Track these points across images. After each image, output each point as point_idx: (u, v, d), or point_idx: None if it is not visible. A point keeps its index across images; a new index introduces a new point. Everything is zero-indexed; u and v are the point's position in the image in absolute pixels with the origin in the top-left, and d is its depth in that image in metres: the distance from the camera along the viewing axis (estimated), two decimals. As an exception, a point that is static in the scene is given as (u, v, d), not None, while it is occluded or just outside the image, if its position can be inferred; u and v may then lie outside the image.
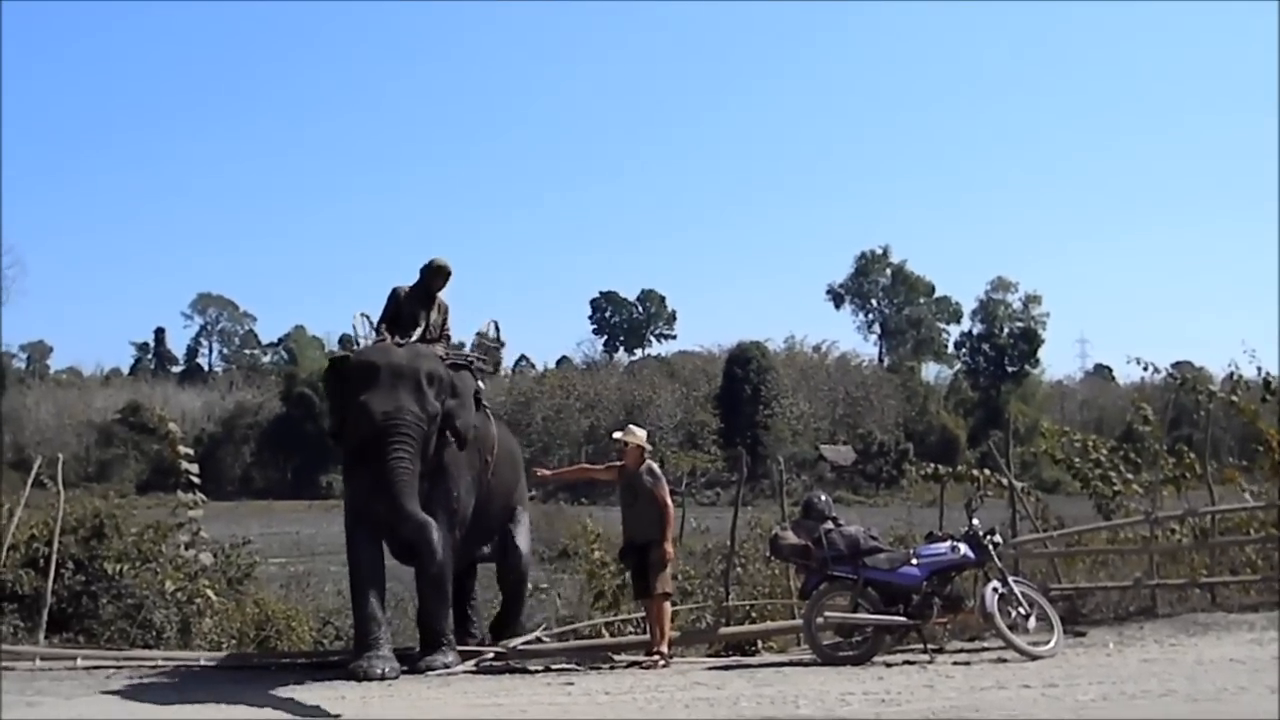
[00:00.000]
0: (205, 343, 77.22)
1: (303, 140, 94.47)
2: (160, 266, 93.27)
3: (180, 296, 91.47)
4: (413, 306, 8.45)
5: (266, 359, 72.88)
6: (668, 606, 8.26)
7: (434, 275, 8.52)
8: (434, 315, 8.53)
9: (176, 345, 76.53)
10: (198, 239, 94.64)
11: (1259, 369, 11.37)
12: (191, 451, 9.70)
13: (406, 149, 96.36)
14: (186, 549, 9.04)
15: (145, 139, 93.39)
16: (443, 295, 8.65)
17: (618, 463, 8.54)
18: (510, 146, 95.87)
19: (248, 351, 75.95)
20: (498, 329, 8.96)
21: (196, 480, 9.27)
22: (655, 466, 8.47)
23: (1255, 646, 7.73)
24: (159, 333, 75.61)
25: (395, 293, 8.52)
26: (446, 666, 7.68)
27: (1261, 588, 9.19)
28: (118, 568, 8.79)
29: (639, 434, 8.53)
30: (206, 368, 74.71)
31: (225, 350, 77.57)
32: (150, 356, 74.21)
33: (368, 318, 8.41)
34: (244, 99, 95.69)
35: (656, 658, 8.01)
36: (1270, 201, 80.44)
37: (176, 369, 73.39)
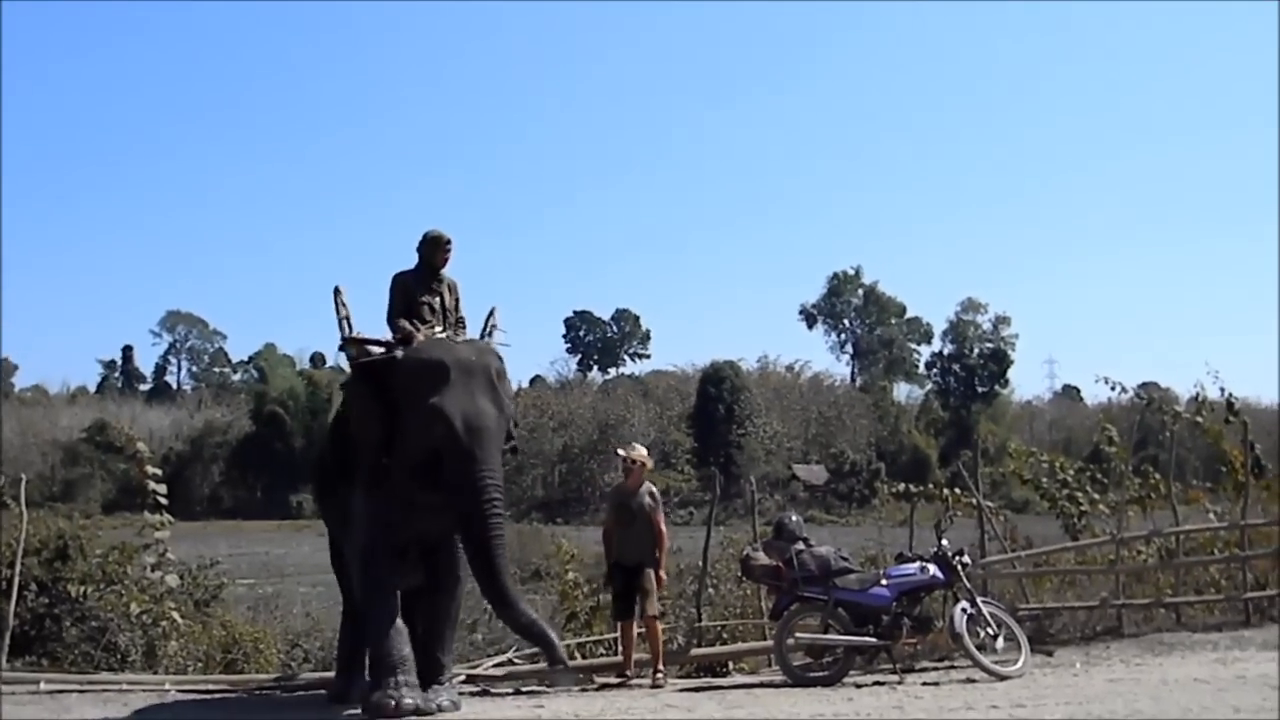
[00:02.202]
0: (174, 361, 76.60)
1: (274, 157, 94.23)
2: (129, 283, 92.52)
3: (149, 314, 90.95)
4: (423, 292, 7.36)
5: (236, 377, 72.25)
6: (660, 626, 8.31)
7: (434, 249, 7.42)
8: (447, 299, 7.49)
9: (145, 363, 75.91)
10: (167, 256, 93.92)
11: (1221, 390, 11.55)
12: (159, 471, 9.59)
13: (380, 168, 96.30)
14: (152, 570, 8.92)
15: (113, 155, 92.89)
16: (448, 272, 7.59)
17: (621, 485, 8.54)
18: (484, 166, 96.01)
19: (217, 370, 75.34)
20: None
21: (164, 500, 9.17)
22: (655, 490, 8.49)
23: (1219, 666, 7.83)
24: (127, 350, 74.95)
25: (401, 280, 7.38)
26: (455, 705, 6.95)
27: (1225, 607, 9.32)
28: (82, 590, 8.68)
29: (643, 452, 8.57)
30: (175, 386, 74.05)
31: (194, 368, 76.94)
32: (118, 374, 73.50)
33: (340, 300, 7.24)
34: (214, 116, 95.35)
35: (659, 676, 8.05)
36: (1241, 223, 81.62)
37: (144, 387, 72.70)
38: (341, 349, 7.41)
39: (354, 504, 7.03)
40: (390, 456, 6.71)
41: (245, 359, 72.54)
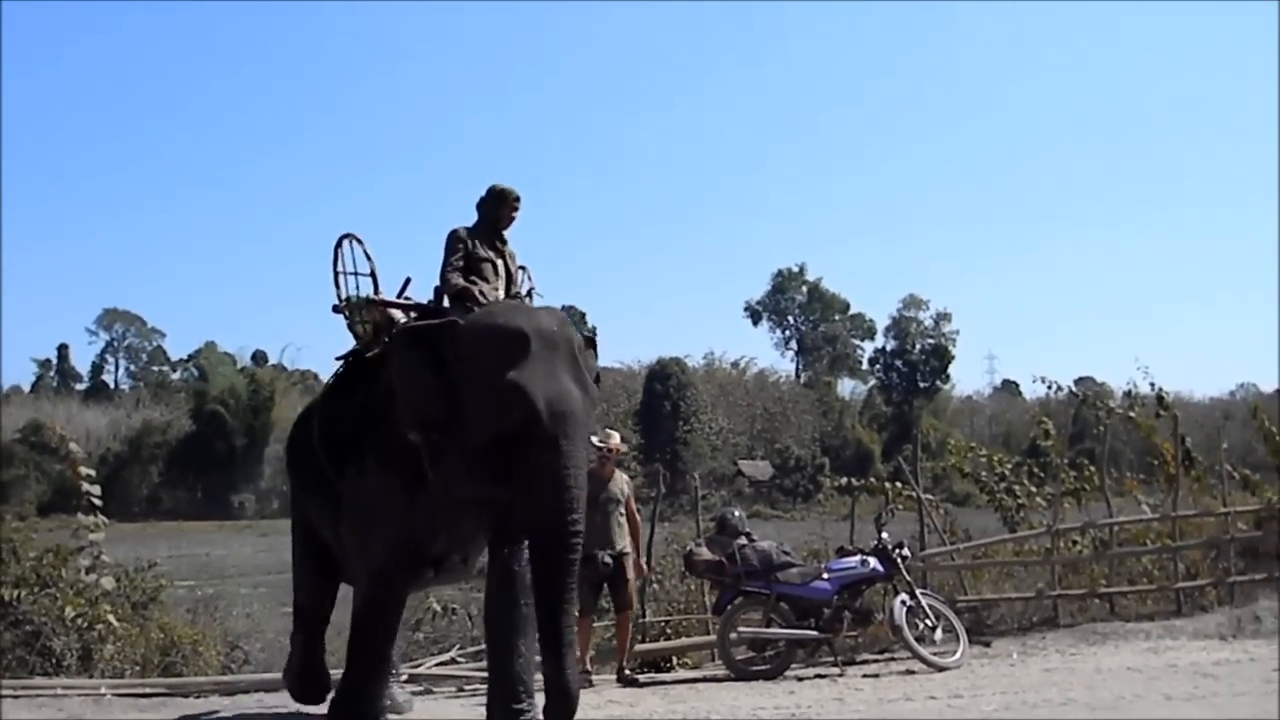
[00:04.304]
0: (111, 359, 75.05)
1: (212, 152, 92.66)
2: (64, 281, 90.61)
3: (85, 312, 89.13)
4: (486, 253, 6.18)
5: (175, 376, 71.03)
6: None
7: (500, 204, 6.29)
8: (511, 264, 6.33)
9: (81, 362, 74.31)
10: (104, 252, 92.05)
11: (1152, 385, 11.88)
12: (93, 472, 9.40)
13: (323, 165, 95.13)
14: (87, 573, 8.77)
15: (46, 149, 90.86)
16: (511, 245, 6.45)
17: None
18: (425, 161, 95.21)
19: (156, 368, 73.99)
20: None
21: (98, 502, 9.01)
22: (628, 479, 8.40)
23: (1151, 655, 8.04)
24: (62, 349, 73.33)
25: (460, 234, 6.16)
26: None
27: (1157, 597, 9.56)
28: (15, 593, 8.49)
29: (618, 439, 8.48)
30: (112, 385, 72.59)
31: (132, 367, 75.49)
32: (53, 374, 71.94)
33: (355, 253, 6.12)
34: (151, 109, 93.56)
35: (627, 671, 8.05)
36: (1179, 222, 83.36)
37: (81, 386, 71.25)
38: (339, 311, 6.20)
39: (358, 494, 5.79)
40: (442, 441, 5.41)
41: (185, 357, 71.38)
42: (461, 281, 5.95)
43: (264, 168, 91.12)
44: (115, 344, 75.27)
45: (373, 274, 6.06)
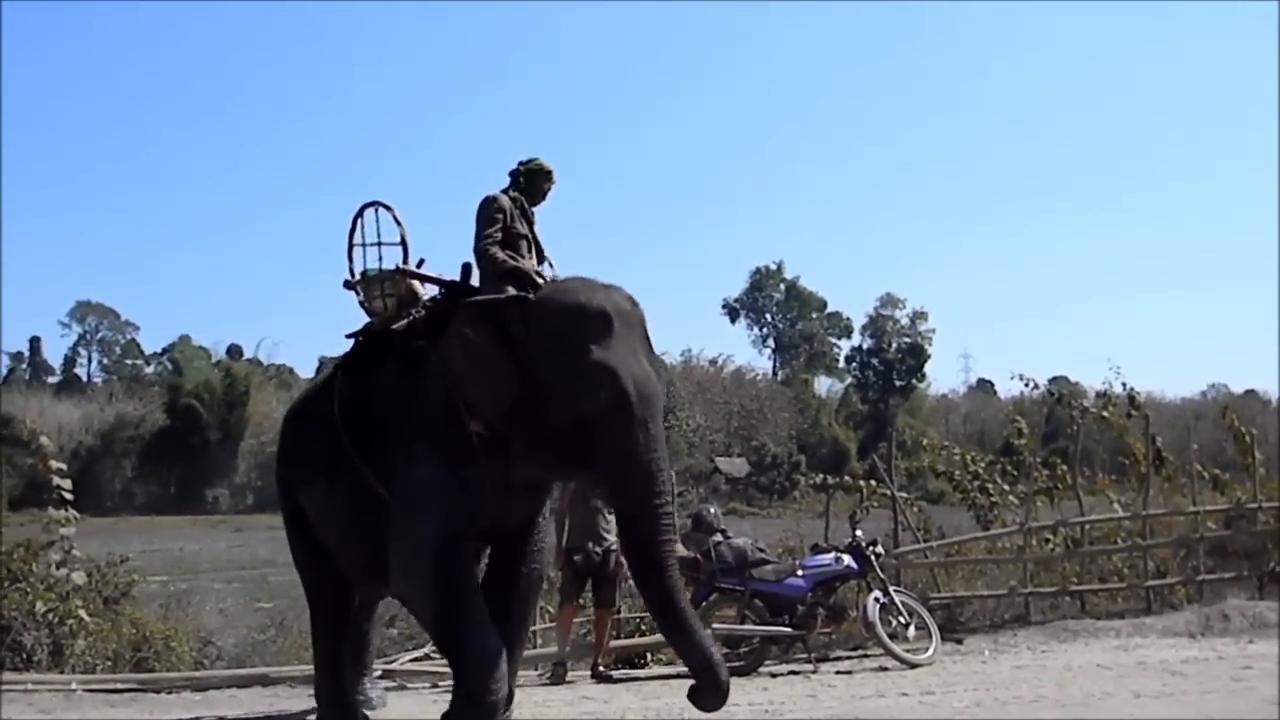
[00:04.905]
0: (84, 352, 74.39)
1: (187, 144, 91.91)
2: (36, 273, 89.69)
3: (58, 304, 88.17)
4: (522, 228, 5.72)
5: (149, 369, 70.55)
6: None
7: (540, 178, 5.90)
8: (543, 246, 5.87)
9: (53, 355, 73.73)
10: (77, 245, 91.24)
11: (1124, 385, 12.00)
12: (64, 466, 9.33)
13: (299, 157, 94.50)
14: (58, 568, 8.71)
15: (17, 139, 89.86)
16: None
17: None
18: (397, 158, 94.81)
19: (129, 362, 73.40)
20: None
21: (69, 495, 8.95)
22: None
23: (1121, 652, 8.12)
24: (34, 342, 72.63)
25: (499, 205, 5.64)
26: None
27: (1127, 595, 9.66)
28: (-14, 588, 8.45)
29: None
30: (85, 378, 72.00)
31: (105, 360, 74.85)
32: (25, 366, 71.28)
33: (389, 213, 5.59)
34: (124, 97, 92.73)
35: (602, 668, 8.06)
36: (1155, 225, 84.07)
37: (53, 380, 70.66)
38: (351, 287, 5.71)
39: (408, 484, 5.20)
40: (513, 426, 5.01)
41: (159, 351, 70.94)
42: (507, 257, 5.46)
43: (239, 161, 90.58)
44: (88, 337, 74.61)
45: (403, 242, 5.53)
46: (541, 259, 5.71)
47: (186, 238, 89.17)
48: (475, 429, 5.01)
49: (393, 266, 5.53)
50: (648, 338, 5.20)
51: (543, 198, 5.93)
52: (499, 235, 5.52)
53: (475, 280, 5.50)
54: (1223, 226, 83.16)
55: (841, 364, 68.16)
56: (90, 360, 74.66)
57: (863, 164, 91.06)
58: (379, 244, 5.57)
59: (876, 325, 65.05)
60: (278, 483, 6.22)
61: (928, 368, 63.99)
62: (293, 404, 6.26)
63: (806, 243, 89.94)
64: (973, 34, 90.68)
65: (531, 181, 5.87)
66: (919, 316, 64.15)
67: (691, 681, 4.86)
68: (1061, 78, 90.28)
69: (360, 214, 5.60)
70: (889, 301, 64.81)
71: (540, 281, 5.36)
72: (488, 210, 5.58)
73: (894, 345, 64.15)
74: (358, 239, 5.62)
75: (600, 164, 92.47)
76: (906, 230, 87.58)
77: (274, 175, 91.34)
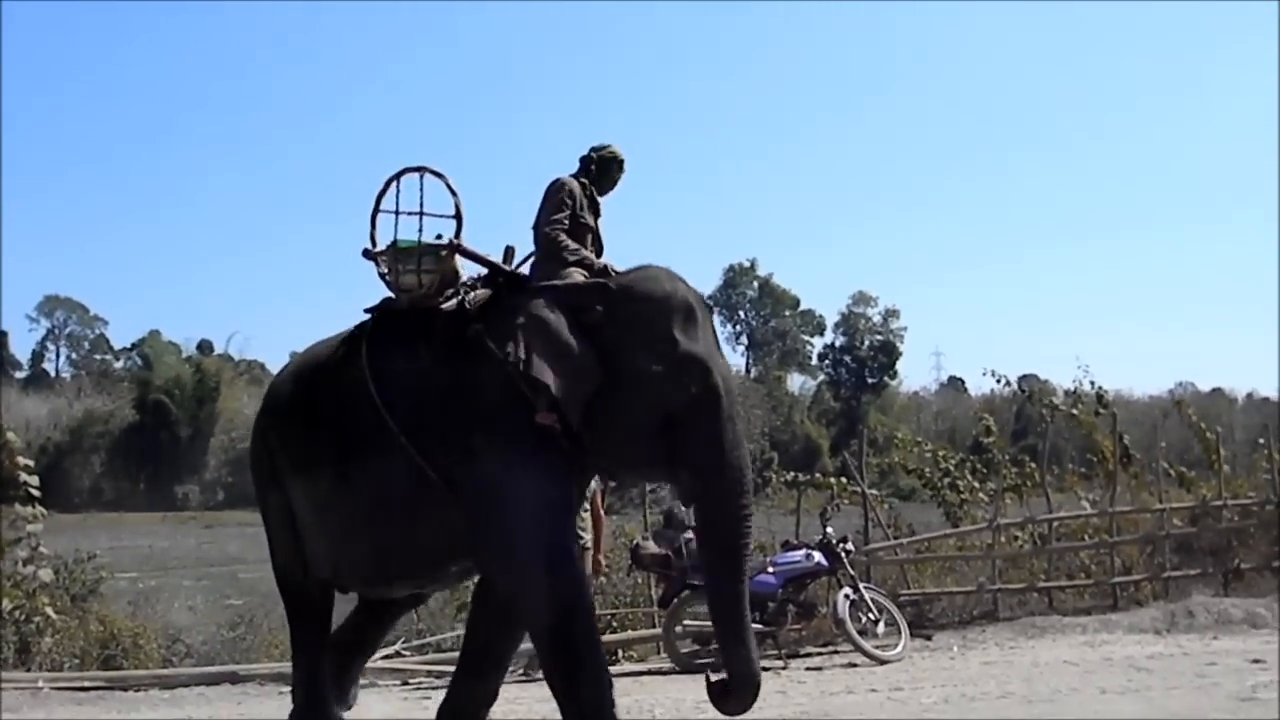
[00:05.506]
0: (52, 347, 73.61)
1: (157, 136, 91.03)
2: (3, 266, 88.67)
3: (25, 298, 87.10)
4: (589, 218, 5.37)
5: (119, 365, 69.92)
6: None
7: (612, 167, 5.54)
8: (603, 240, 5.52)
9: (20, 350, 72.90)
10: (45, 237, 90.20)
11: (1092, 383, 12.13)
12: (31, 462, 9.26)
13: (274, 149, 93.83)
14: (25, 565, 8.63)
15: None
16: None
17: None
18: (368, 150, 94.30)
19: (98, 357, 72.71)
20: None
21: (36, 492, 8.87)
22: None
23: (1087, 649, 8.21)
24: (1, 336, 72.01)
25: (570, 190, 5.27)
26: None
27: (1094, 591, 9.77)
28: (-49, 586, 8.37)
29: None
30: (53, 373, 71.30)
31: (74, 355, 74.06)
32: (-9, 361, 70.64)
33: (442, 180, 4.88)
34: (94, 88, 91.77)
35: None
36: (1122, 222, 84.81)
37: (20, 375, 69.90)
38: (370, 257, 4.97)
39: (492, 486, 4.62)
40: (591, 419, 4.63)
41: (128, 346, 70.33)
42: (577, 246, 5.11)
43: (211, 153, 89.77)
44: (56, 331, 73.83)
45: (458, 213, 4.91)
46: (601, 254, 5.31)
47: (156, 231, 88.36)
48: (544, 421, 4.59)
49: (435, 239, 4.91)
50: (716, 332, 4.99)
51: (612, 187, 5.58)
52: (566, 223, 5.17)
53: (525, 266, 5.14)
54: (1193, 226, 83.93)
55: (814, 361, 68.43)
56: (58, 355, 73.90)
57: (836, 162, 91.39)
58: (420, 213, 4.91)
59: (849, 323, 65.40)
60: (259, 472, 5.38)
61: (899, 365, 64.36)
62: (283, 383, 5.44)
63: (780, 240, 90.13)
64: (945, 32, 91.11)
65: (603, 169, 5.51)
66: (891, 314, 64.57)
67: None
68: (1032, 76, 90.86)
69: (397, 178, 4.92)
70: (861, 299, 65.16)
71: (610, 273, 5.01)
72: (557, 194, 5.22)
73: (866, 343, 64.52)
74: (391, 205, 4.94)
75: (572, 162, 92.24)
76: (879, 229, 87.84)
77: (246, 170, 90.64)
